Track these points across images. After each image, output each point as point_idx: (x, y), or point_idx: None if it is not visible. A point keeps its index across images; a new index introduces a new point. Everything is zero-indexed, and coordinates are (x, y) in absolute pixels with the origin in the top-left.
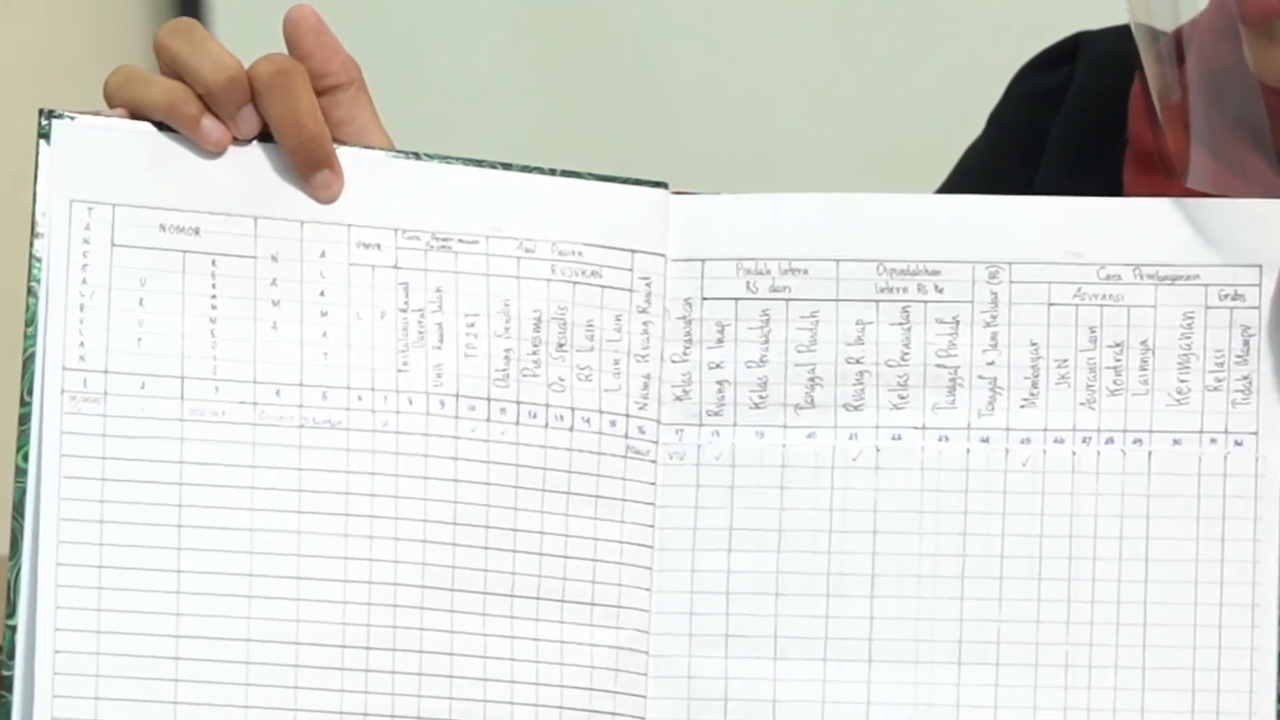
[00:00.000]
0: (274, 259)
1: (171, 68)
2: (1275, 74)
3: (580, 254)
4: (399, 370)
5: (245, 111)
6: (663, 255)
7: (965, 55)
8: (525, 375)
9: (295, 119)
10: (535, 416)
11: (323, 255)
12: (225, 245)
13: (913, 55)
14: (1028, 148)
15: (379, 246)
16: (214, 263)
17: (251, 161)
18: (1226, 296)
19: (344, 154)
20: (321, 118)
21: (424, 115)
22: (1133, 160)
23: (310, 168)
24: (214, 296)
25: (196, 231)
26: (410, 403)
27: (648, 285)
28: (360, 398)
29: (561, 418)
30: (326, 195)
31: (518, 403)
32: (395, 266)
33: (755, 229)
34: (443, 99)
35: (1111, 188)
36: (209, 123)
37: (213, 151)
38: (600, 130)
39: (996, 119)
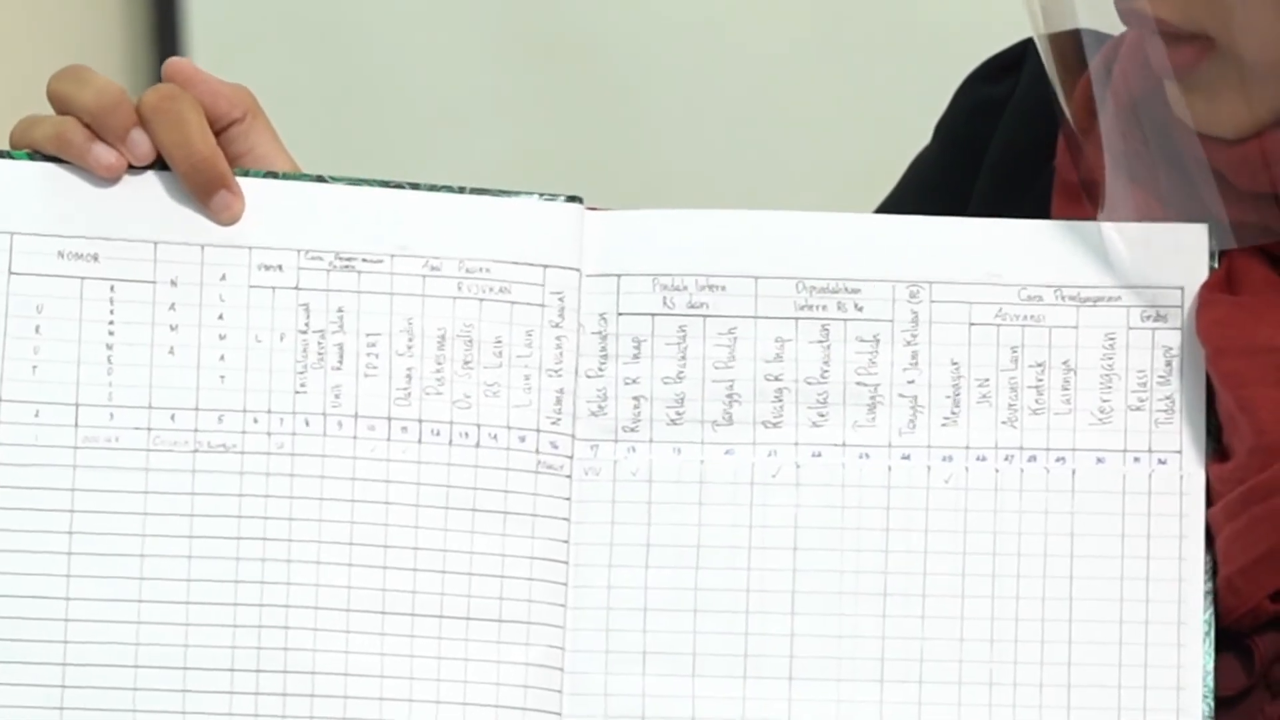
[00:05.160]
0: (173, 284)
1: (61, 107)
2: (1202, 121)
3: (488, 270)
4: (296, 392)
5: (134, 134)
6: (577, 270)
7: (951, 74)
8: (428, 393)
9: (185, 142)
10: (438, 434)
11: (223, 278)
12: (124, 271)
13: (899, 70)
14: (970, 160)
15: (280, 268)
16: (112, 289)
17: (152, 188)
18: (1149, 318)
19: (248, 181)
20: (213, 139)
21: (404, 131)
22: (1060, 190)
23: (206, 190)
24: (111, 323)
25: (95, 258)
26: (307, 424)
27: (560, 300)
28: (256, 420)
29: (467, 434)
30: (227, 216)
31: (419, 421)
32: (296, 288)
33: (673, 245)
34: (422, 116)
35: (1044, 205)
36: (100, 149)
37: (107, 177)
38: (580, 146)
39: (941, 129)
